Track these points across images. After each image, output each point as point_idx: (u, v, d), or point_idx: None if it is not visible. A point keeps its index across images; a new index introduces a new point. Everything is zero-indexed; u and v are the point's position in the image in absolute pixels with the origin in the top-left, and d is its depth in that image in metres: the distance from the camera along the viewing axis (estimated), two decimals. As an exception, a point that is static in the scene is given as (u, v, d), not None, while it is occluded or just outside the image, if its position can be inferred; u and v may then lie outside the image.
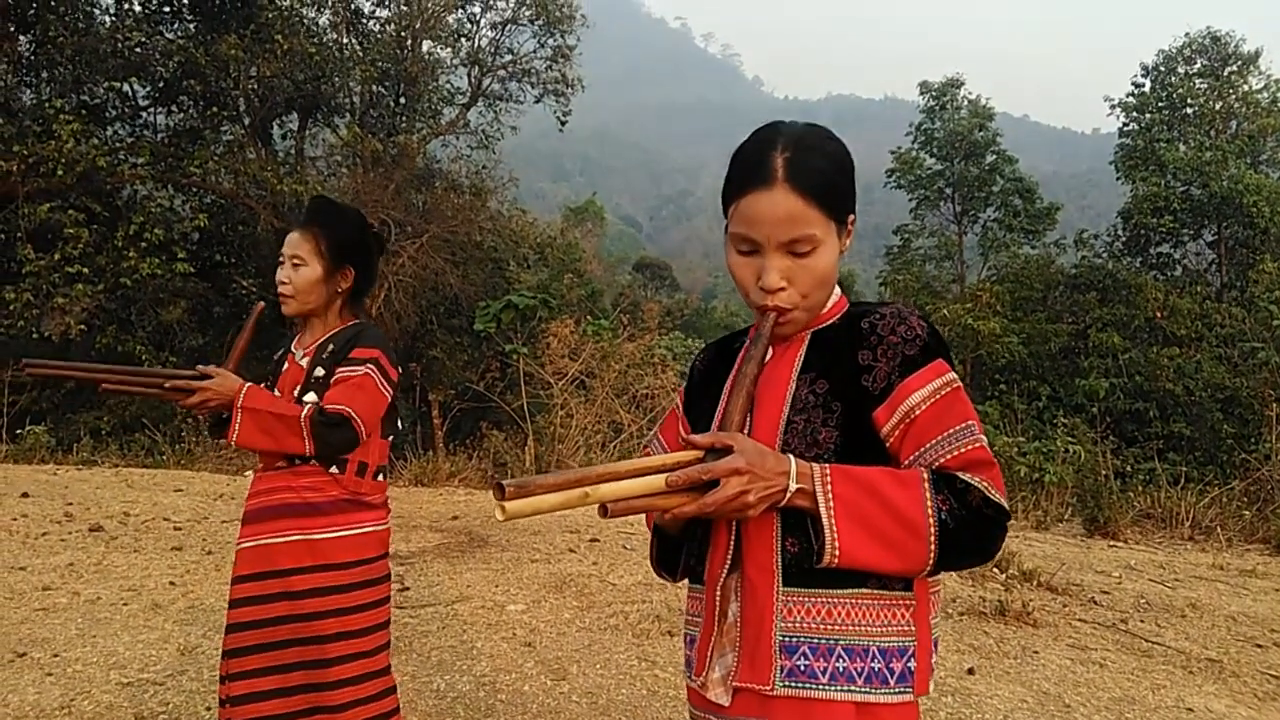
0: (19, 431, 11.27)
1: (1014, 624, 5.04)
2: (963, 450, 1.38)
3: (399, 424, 2.63)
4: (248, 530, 2.42)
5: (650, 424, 11.43)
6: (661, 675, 4.08)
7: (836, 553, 1.33)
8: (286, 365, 2.55)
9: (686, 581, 1.59)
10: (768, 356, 1.51)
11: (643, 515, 1.57)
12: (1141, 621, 5.31)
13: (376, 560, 2.46)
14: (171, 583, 5.23)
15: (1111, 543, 8.07)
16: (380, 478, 2.52)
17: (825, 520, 1.33)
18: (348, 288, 2.56)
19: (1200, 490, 9.84)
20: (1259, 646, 4.95)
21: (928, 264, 27.31)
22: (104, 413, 15.52)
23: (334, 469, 2.41)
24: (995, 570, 6.07)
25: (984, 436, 1.42)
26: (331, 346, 2.48)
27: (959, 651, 4.55)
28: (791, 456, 1.36)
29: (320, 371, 2.44)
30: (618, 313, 16.46)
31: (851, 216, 1.47)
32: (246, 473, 9.67)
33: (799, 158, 1.39)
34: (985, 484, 1.36)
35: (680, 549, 1.57)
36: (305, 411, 2.35)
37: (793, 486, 1.33)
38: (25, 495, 7.26)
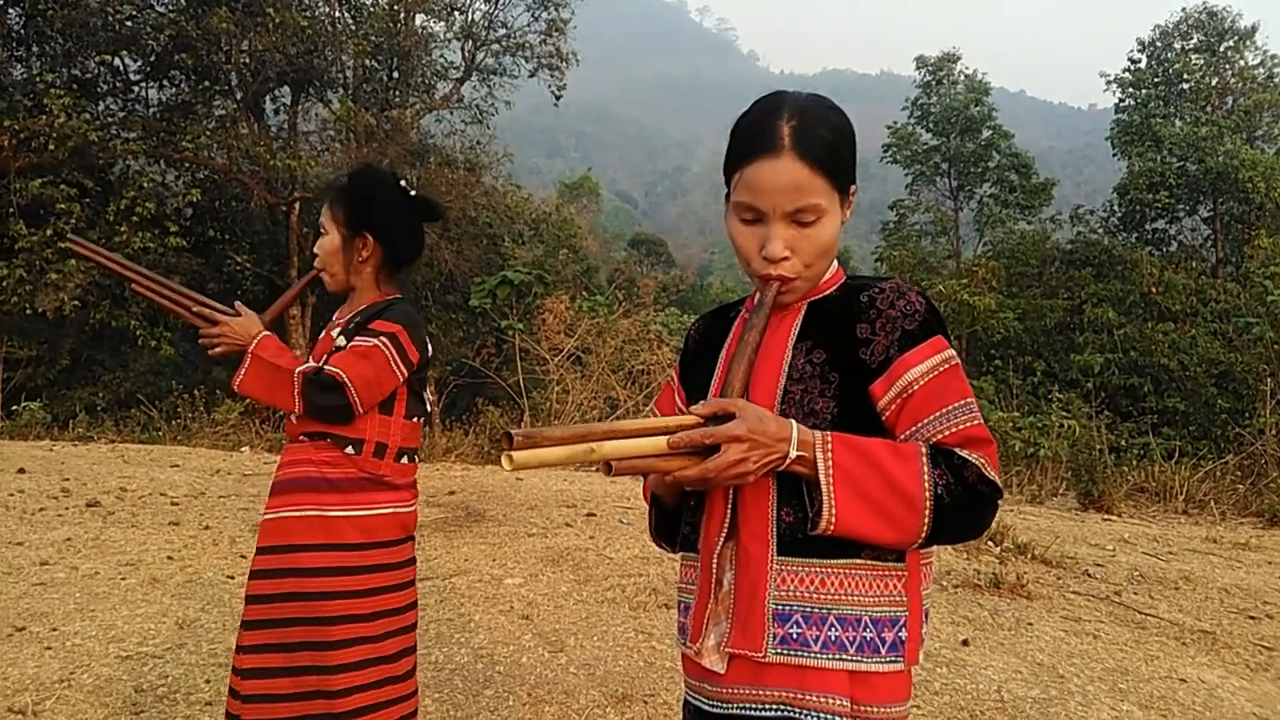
0: (15, 408, 11.25)
1: (1009, 596, 5.07)
2: (961, 427, 1.39)
3: (427, 405, 2.52)
4: (271, 502, 2.36)
5: (646, 400, 11.44)
6: (658, 647, 4.10)
7: (833, 520, 1.33)
8: (323, 335, 2.50)
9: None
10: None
11: (639, 489, 1.57)
12: (1135, 594, 5.35)
13: (394, 544, 2.36)
14: (169, 557, 5.23)
15: (1106, 516, 8.11)
16: (405, 460, 2.41)
17: (824, 488, 1.33)
18: (370, 257, 2.45)
19: (1194, 464, 9.91)
20: (1251, 618, 4.99)
21: (923, 239, 27.33)
22: (100, 389, 15.52)
23: (349, 449, 2.32)
24: (990, 543, 6.10)
25: (980, 414, 1.42)
26: (358, 319, 2.41)
27: (954, 623, 4.58)
28: (793, 422, 1.35)
29: (342, 341, 2.37)
30: (613, 289, 16.47)
31: (853, 187, 1.47)
32: (242, 449, 9.67)
33: (805, 126, 1.39)
34: (982, 460, 1.37)
35: (678, 519, 1.58)
36: (301, 367, 2.29)
37: (793, 453, 1.33)
38: (22, 471, 7.25)
